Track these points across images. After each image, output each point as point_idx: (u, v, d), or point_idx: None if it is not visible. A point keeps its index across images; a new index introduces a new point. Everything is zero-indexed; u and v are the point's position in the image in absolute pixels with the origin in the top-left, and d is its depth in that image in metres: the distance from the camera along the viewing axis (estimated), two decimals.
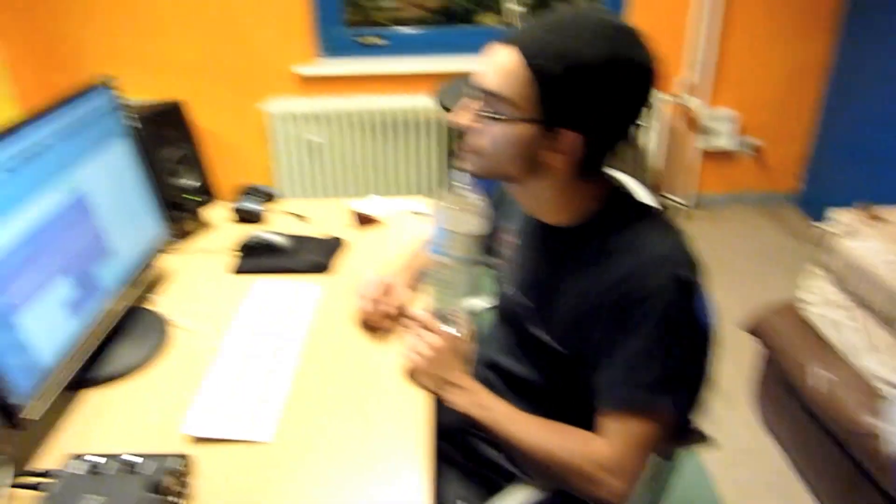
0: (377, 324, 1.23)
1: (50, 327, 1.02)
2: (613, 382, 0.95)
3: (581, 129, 0.89)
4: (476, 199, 1.07)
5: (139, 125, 1.44)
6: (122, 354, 1.18)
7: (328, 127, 3.06)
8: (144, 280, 1.31)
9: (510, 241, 1.15)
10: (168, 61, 3.01)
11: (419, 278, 1.35)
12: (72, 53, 2.99)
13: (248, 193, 1.71)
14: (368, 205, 1.66)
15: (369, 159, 3.15)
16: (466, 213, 1.07)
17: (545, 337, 1.05)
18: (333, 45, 3.11)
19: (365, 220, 1.62)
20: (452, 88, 2.72)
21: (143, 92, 2.72)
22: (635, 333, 0.91)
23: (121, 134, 1.28)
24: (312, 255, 1.44)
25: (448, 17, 3.23)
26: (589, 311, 0.96)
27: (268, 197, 1.72)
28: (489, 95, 0.91)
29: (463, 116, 0.96)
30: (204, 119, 3.12)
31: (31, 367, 0.96)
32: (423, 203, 1.70)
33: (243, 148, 3.24)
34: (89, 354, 1.11)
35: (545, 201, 1.02)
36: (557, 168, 0.94)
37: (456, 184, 1.06)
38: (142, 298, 1.35)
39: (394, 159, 3.15)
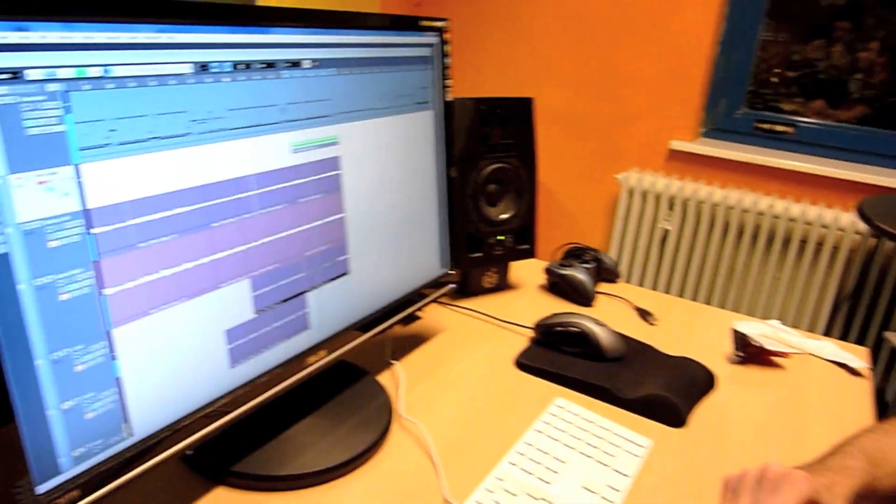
0: None
1: (183, 364, 0.55)
2: None
3: None
4: None
5: (468, 112, 0.98)
6: (308, 441, 0.69)
7: (688, 216, 2.42)
8: (385, 333, 0.82)
9: None
10: (534, 96, 2.69)
11: (864, 501, 0.65)
12: (443, 9, 2.82)
13: (574, 256, 1.16)
14: (762, 331, 0.99)
15: (725, 267, 2.42)
16: None
17: None
18: (722, 125, 2.49)
19: (755, 353, 0.95)
20: (882, 208, 1.90)
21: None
22: None
23: (430, 105, 0.83)
24: (660, 390, 0.82)
25: (888, 119, 2.39)
26: None
27: (602, 272, 1.16)
28: None
29: None
30: (549, 172, 2.74)
31: (108, 425, 0.50)
32: (856, 356, 0.97)
33: (582, 213, 2.76)
34: (240, 429, 0.64)
35: None
36: None
37: None
38: (367, 356, 0.87)
39: (760, 276, 2.38)
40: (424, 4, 2.83)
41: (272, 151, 0.61)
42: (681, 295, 2.50)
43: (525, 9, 2.66)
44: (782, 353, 0.95)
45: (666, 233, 2.48)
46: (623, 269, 2.61)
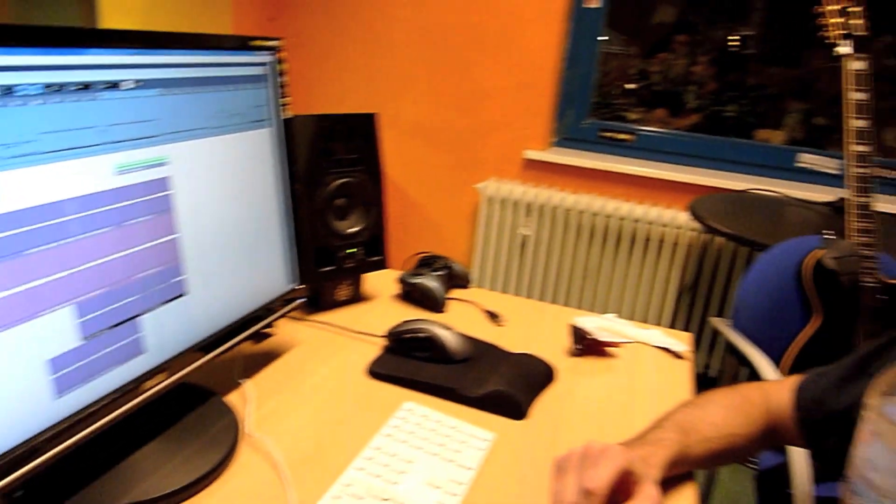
0: None
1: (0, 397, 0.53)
2: None
3: None
4: None
5: (310, 129, 0.99)
6: (150, 467, 0.68)
7: (543, 222, 2.55)
8: (234, 351, 0.81)
9: None
10: (394, 110, 2.75)
11: (678, 467, 0.73)
12: (300, 25, 2.83)
13: (426, 265, 1.21)
14: (599, 324, 1.07)
15: (580, 267, 2.57)
16: None
17: None
18: (571, 135, 2.65)
19: (591, 345, 1.03)
20: (710, 207, 2.10)
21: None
22: None
23: (266, 123, 0.84)
24: (502, 386, 0.87)
25: (716, 125, 2.65)
26: None
27: (453, 279, 1.20)
28: None
29: None
30: (411, 183, 2.80)
31: None
32: (680, 341, 1.08)
33: (445, 222, 2.84)
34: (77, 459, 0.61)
35: None
36: None
37: None
38: (215, 377, 0.86)
39: (611, 274, 2.54)
40: (280, 20, 2.82)
41: (93, 174, 0.60)
42: (541, 297, 2.63)
43: (381, 25, 2.71)
44: (615, 343, 1.03)
45: (525, 238, 2.60)
46: (486, 275, 2.71)
